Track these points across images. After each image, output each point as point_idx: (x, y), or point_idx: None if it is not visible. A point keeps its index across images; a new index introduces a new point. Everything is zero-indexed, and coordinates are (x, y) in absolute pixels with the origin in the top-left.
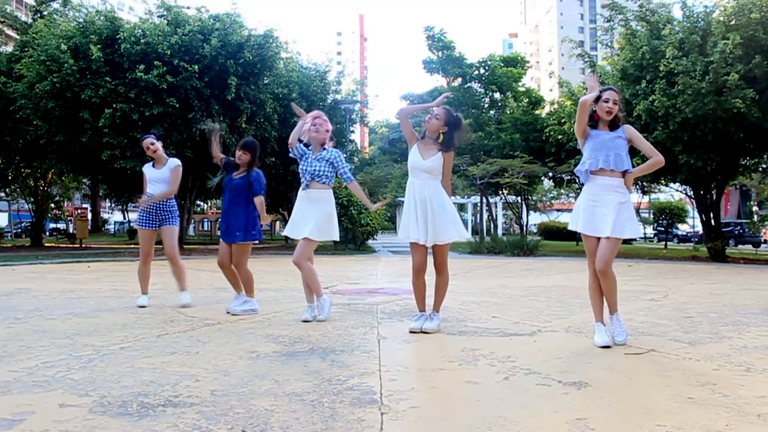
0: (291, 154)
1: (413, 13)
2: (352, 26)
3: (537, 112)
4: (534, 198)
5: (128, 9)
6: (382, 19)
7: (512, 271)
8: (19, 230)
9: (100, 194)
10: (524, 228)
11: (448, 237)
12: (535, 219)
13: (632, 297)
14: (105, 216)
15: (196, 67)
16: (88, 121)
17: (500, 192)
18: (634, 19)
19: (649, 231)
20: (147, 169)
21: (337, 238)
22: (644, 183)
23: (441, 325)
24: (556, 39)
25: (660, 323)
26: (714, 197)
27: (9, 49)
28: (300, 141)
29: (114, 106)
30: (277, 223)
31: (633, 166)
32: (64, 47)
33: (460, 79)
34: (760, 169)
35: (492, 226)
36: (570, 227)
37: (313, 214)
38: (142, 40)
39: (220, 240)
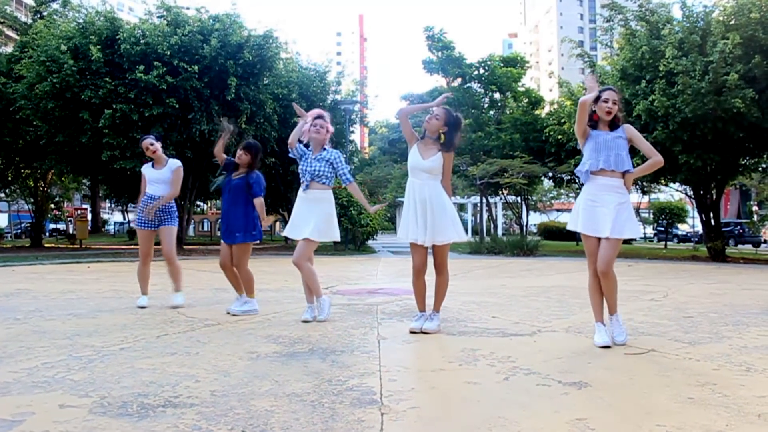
0: (291, 155)
1: (413, 13)
2: (351, 26)
3: (537, 112)
4: (534, 198)
5: (128, 9)
6: (382, 20)
7: (512, 271)
8: (19, 231)
9: (100, 195)
10: (524, 228)
11: (447, 237)
12: (535, 219)
13: (632, 297)
14: (105, 216)
15: (196, 67)
16: (87, 122)
17: (500, 192)
18: (633, 19)
19: (649, 231)
20: (146, 170)
21: (338, 239)
22: (644, 183)
23: (441, 325)
24: (555, 39)
25: (660, 323)
26: (714, 197)
27: (9, 49)
28: (300, 141)
29: (114, 106)
30: (277, 223)
31: (633, 167)
32: (63, 48)
33: (459, 80)
34: (760, 168)
35: (492, 226)
36: (569, 227)
37: (312, 215)
38: (141, 41)
39: (221, 241)
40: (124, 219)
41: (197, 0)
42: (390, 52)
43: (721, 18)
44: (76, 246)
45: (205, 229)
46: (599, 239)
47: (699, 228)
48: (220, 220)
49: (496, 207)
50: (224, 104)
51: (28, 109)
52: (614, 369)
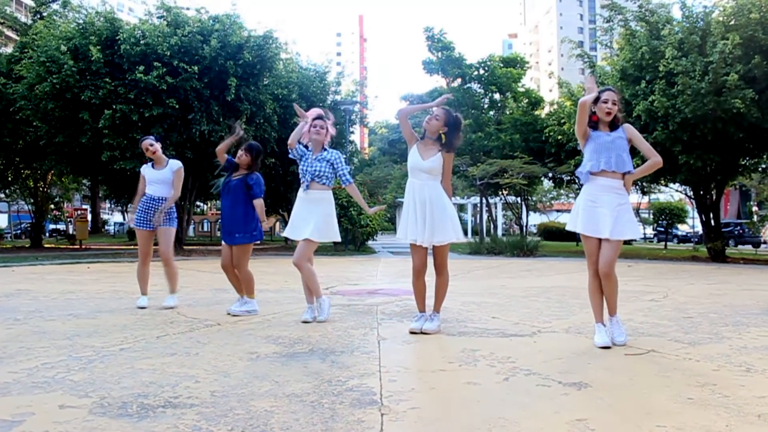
0: (291, 155)
1: (413, 14)
2: (351, 27)
3: (536, 112)
4: (534, 198)
5: (128, 10)
6: (381, 20)
7: (512, 271)
8: (19, 231)
9: (100, 195)
10: (524, 228)
11: (446, 238)
12: (534, 219)
13: (632, 297)
14: (105, 217)
15: (196, 68)
16: (87, 122)
17: (500, 192)
18: (633, 20)
19: (649, 231)
20: (146, 170)
21: (338, 239)
22: (644, 183)
23: (441, 325)
24: (555, 39)
25: (660, 323)
26: (714, 197)
27: (9, 50)
28: (299, 142)
29: (114, 107)
30: (277, 224)
31: (633, 167)
32: (63, 48)
33: (459, 80)
34: (760, 169)
35: (492, 226)
36: (568, 228)
37: (312, 215)
38: (141, 41)
39: (222, 242)
40: (124, 219)
41: (197, 0)
42: (390, 52)
43: (720, 18)
44: (75, 246)
45: (205, 229)
46: (599, 240)
47: (699, 228)
48: (220, 221)
49: (496, 207)
50: (224, 105)
51: (28, 109)
52: (614, 369)
